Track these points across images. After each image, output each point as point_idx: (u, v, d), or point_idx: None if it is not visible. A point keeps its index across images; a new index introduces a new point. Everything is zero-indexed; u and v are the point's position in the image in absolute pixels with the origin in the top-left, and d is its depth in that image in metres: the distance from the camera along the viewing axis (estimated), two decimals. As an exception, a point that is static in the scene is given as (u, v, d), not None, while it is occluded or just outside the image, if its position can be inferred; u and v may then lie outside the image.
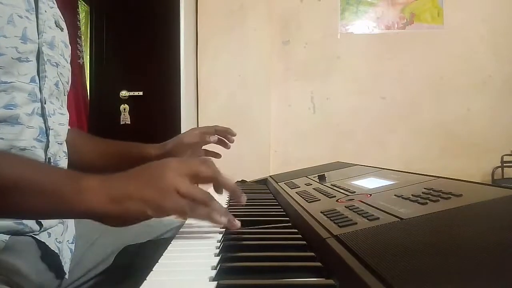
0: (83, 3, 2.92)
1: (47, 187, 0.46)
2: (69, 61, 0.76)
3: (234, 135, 0.95)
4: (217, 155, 0.97)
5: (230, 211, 0.68)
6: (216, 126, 0.93)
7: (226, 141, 0.96)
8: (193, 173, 0.53)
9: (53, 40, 0.68)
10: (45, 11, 0.67)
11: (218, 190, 0.61)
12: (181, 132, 2.60)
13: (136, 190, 0.49)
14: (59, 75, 0.70)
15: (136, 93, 2.68)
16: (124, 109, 2.68)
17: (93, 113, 2.74)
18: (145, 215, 0.49)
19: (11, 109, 0.59)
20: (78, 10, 2.81)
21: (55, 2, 0.75)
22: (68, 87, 0.75)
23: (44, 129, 0.64)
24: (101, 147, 0.89)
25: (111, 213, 0.48)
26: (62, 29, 0.75)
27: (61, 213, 0.50)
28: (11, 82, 0.59)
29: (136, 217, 0.50)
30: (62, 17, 0.77)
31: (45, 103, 0.64)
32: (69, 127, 0.87)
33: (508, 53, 2.61)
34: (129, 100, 2.68)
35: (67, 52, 0.75)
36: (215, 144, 0.94)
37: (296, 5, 2.66)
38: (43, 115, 0.64)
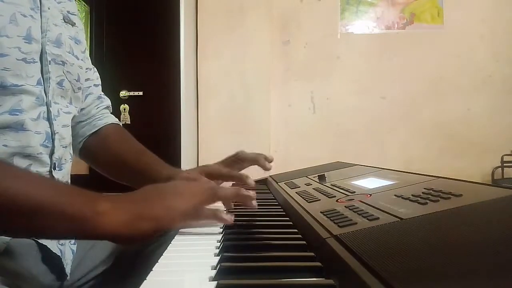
0: (83, 3, 2.92)
1: (66, 210, 0.46)
2: (82, 57, 0.74)
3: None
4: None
5: (230, 211, 0.68)
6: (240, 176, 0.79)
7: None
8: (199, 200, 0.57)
9: (59, 38, 0.66)
10: (49, 8, 0.65)
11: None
12: (181, 133, 2.59)
13: (147, 211, 0.51)
14: (65, 73, 0.67)
15: (136, 93, 2.68)
16: (124, 109, 2.68)
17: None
18: (157, 232, 0.51)
19: (16, 114, 0.57)
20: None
21: None
22: (79, 85, 0.72)
23: (50, 134, 0.62)
24: (131, 154, 0.82)
25: (125, 236, 0.49)
26: (73, 24, 0.72)
27: (76, 235, 0.50)
28: (22, 85, 0.58)
29: (148, 236, 0.51)
30: (75, 12, 0.75)
31: (50, 106, 0.63)
32: (113, 122, 0.84)
33: (508, 53, 2.61)
34: (129, 100, 2.68)
35: (79, 48, 0.73)
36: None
37: (296, 5, 2.66)
38: (48, 119, 0.62)
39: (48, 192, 0.47)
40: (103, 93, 0.86)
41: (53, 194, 0.47)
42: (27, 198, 0.44)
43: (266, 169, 0.89)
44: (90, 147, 0.80)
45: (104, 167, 0.82)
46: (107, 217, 0.47)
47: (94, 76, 0.84)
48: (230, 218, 0.57)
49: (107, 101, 0.86)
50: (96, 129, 0.81)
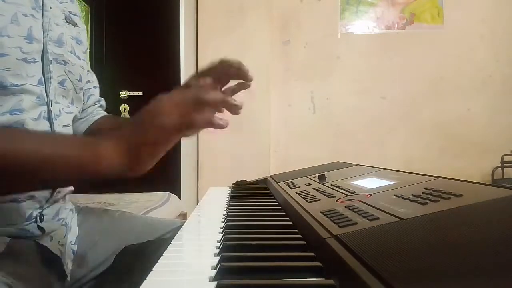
0: (83, 3, 2.91)
1: (70, 160, 0.48)
2: (83, 58, 0.74)
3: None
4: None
5: (230, 211, 0.68)
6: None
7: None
8: (192, 101, 0.57)
9: (61, 37, 0.66)
10: (50, 8, 0.65)
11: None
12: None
13: (141, 139, 0.51)
14: (67, 73, 0.68)
15: (136, 93, 2.68)
16: (124, 109, 2.68)
17: (93, 113, 2.74)
18: (162, 152, 0.53)
19: (17, 114, 0.57)
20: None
21: None
22: (81, 85, 0.73)
23: None
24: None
25: (130, 169, 0.50)
26: (75, 25, 0.73)
27: (84, 179, 0.51)
28: (22, 85, 0.58)
29: (152, 161, 0.52)
30: (77, 12, 0.75)
31: (51, 106, 0.63)
32: (105, 115, 0.86)
33: (508, 53, 2.61)
34: (129, 100, 2.68)
35: (80, 48, 0.73)
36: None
37: (296, 5, 2.66)
38: (49, 118, 0.63)
39: (49, 144, 0.49)
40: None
41: (54, 146, 0.49)
42: (35, 155, 0.46)
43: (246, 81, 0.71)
44: None
45: None
46: (110, 158, 0.49)
47: (93, 78, 0.86)
48: (225, 122, 0.59)
49: (103, 101, 0.90)
50: (90, 123, 0.83)
